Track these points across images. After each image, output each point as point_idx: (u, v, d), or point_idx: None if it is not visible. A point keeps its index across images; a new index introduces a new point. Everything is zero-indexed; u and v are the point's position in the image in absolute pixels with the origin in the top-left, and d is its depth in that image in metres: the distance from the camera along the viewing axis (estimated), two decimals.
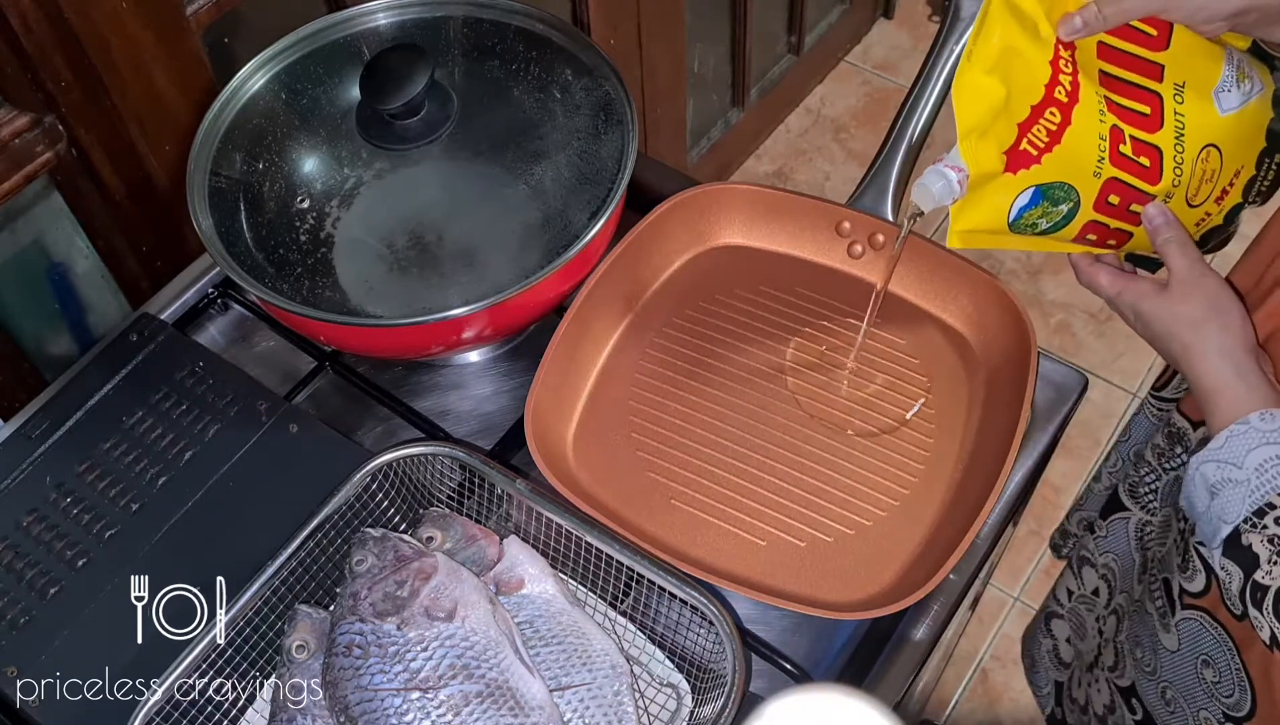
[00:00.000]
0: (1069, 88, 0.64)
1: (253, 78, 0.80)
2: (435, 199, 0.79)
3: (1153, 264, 0.73)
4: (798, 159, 2.05)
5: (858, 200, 0.83)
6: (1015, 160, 0.64)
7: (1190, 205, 0.69)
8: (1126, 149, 0.66)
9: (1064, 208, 0.66)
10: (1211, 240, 0.75)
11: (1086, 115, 0.65)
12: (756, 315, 0.82)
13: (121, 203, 0.91)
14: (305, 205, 0.78)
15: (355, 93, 0.78)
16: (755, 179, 2.01)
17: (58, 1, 0.77)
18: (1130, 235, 0.69)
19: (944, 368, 0.79)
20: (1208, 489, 0.63)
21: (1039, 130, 0.64)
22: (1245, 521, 0.61)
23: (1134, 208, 0.67)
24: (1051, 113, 0.64)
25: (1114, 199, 0.67)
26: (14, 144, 0.83)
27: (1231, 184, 0.71)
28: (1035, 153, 0.64)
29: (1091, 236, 0.69)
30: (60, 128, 0.85)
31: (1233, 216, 0.73)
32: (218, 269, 0.85)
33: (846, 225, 0.83)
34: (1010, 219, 0.65)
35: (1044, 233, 0.67)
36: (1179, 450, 0.82)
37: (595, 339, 0.80)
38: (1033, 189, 0.64)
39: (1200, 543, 0.72)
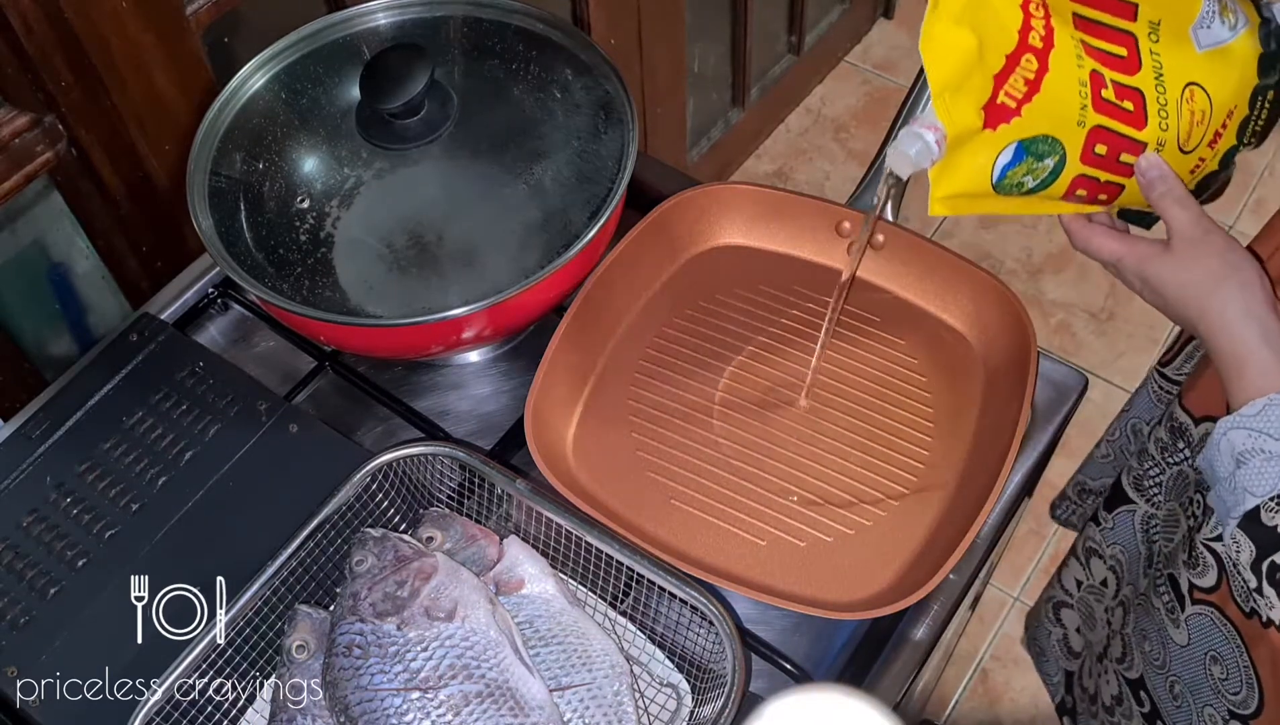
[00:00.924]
0: (1043, 32, 0.61)
1: (253, 78, 0.80)
2: (435, 199, 0.79)
3: (1148, 219, 0.70)
4: (798, 159, 2.05)
5: (858, 200, 0.83)
6: (994, 115, 0.60)
7: (1183, 151, 0.66)
8: (1109, 94, 0.63)
9: (1049, 162, 0.63)
10: (1208, 188, 0.72)
11: (1064, 60, 0.61)
12: (756, 315, 0.82)
13: (121, 203, 0.91)
14: (305, 205, 0.78)
15: (355, 93, 0.78)
16: (755, 179, 2.01)
17: (58, 2, 0.77)
18: (1122, 188, 0.67)
19: (944, 368, 0.79)
20: (1234, 456, 0.60)
21: (1016, 80, 0.60)
22: (1273, 498, 0.59)
23: (1124, 158, 0.65)
24: (1028, 60, 0.60)
25: (1101, 149, 0.64)
26: (14, 144, 0.83)
27: (1225, 125, 0.68)
28: (1014, 105, 0.60)
29: (1081, 192, 0.66)
30: (60, 128, 0.85)
31: (1228, 160, 0.70)
32: (218, 269, 0.85)
33: (846, 225, 0.83)
34: (994, 179, 0.62)
35: (1031, 192, 0.64)
36: (1181, 445, 0.82)
37: (595, 339, 0.80)
38: (1015, 145, 0.61)
39: (1209, 539, 0.72)
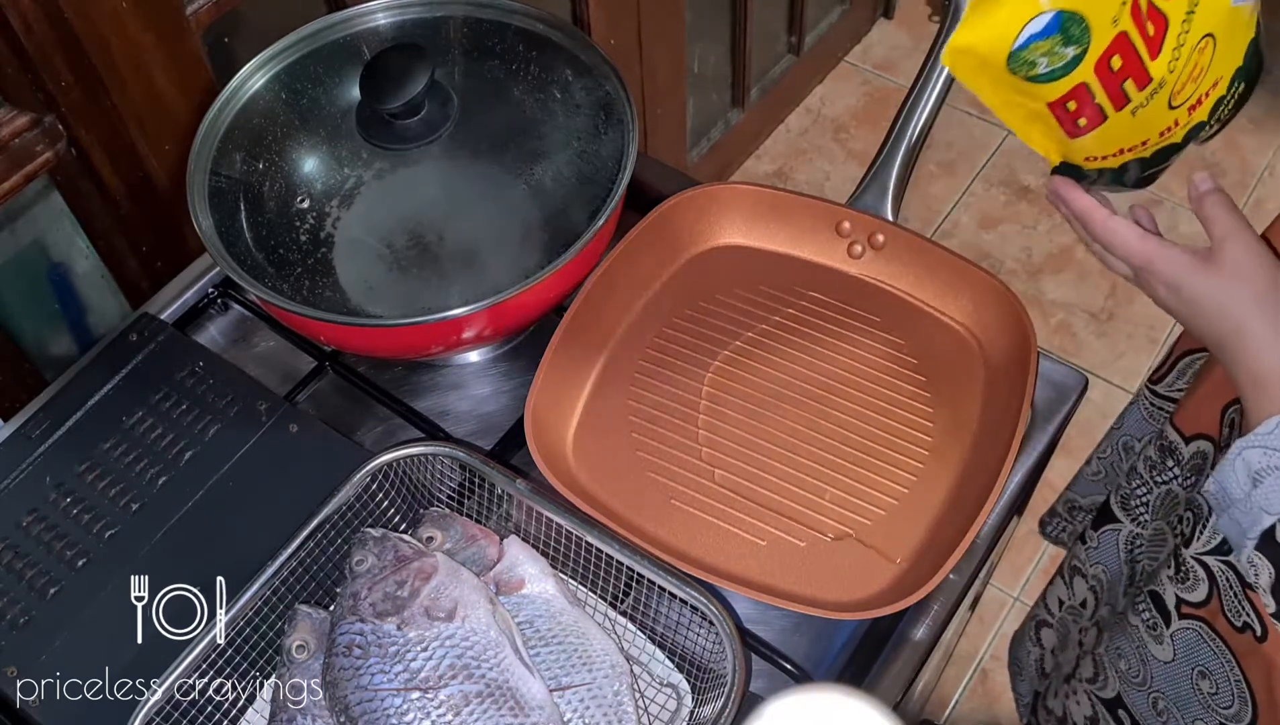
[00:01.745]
0: None
1: (253, 78, 0.80)
2: (435, 199, 0.79)
3: (1084, 177, 0.68)
4: (798, 159, 2.05)
5: (858, 200, 0.83)
6: None
7: (1171, 105, 0.63)
8: (1143, 4, 0.59)
9: (1070, 52, 0.60)
10: (1157, 165, 0.68)
11: None
12: (756, 315, 0.82)
13: (121, 203, 0.91)
14: (305, 205, 0.78)
15: (355, 93, 0.78)
16: (755, 179, 2.01)
17: (58, 2, 0.77)
18: (1102, 120, 0.63)
19: (944, 368, 0.79)
20: (1250, 476, 0.59)
21: None
22: None
23: (1126, 85, 0.61)
24: None
25: (1116, 62, 0.60)
26: (14, 144, 0.83)
27: (1207, 94, 0.65)
28: None
29: (1072, 105, 0.62)
30: (60, 128, 0.85)
31: (1190, 138, 0.67)
32: (218, 269, 0.85)
33: (846, 225, 0.83)
34: (1015, 44, 0.59)
35: (1036, 79, 0.61)
36: (1170, 463, 0.82)
37: (595, 339, 0.80)
38: (1055, 14, 0.58)
39: (1201, 553, 0.72)
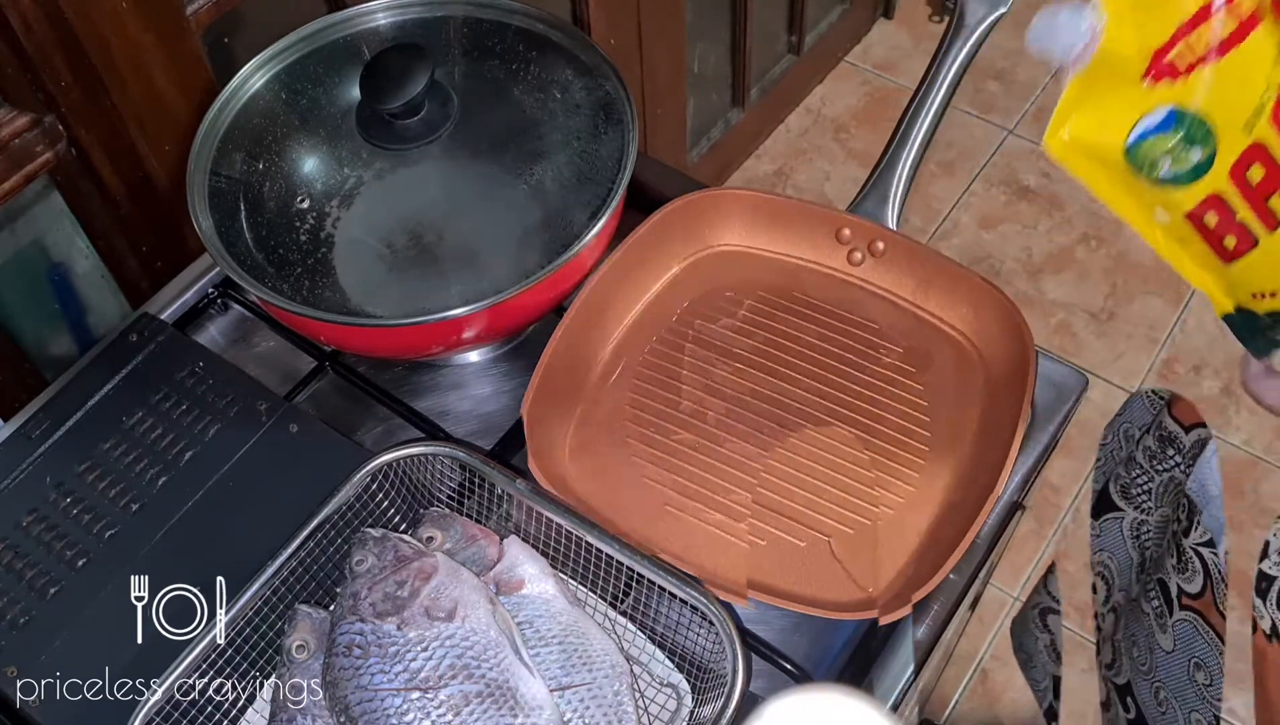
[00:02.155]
0: (1253, 5, 0.51)
1: (253, 78, 0.80)
2: (435, 199, 0.79)
3: (1258, 326, 0.58)
4: (798, 159, 2.05)
5: (858, 206, 0.83)
6: (1158, 68, 0.52)
7: None
8: None
9: (1195, 155, 0.54)
10: None
11: (1260, 48, 0.51)
12: (755, 320, 0.82)
13: (121, 203, 0.91)
14: (305, 205, 0.78)
15: (355, 93, 0.78)
16: (755, 179, 2.01)
17: (58, 2, 0.77)
18: (1254, 243, 0.55)
19: (944, 374, 0.79)
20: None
21: (1198, 36, 0.51)
22: None
23: (1273, 202, 0.54)
24: (1223, 20, 0.51)
25: (1256, 173, 0.53)
26: (14, 144, 0.83)
27: None
28: (1184, 66, 0.51)
29: (1211, 217, 0.55)
30: (60, 128, 0.85)
31: None
32: (218, 269, 0.85)
33: (847, 232, 0.83)
34: (1130, 138, 0.53)
35: (1161, 182, 0.55)
36: (1170, 452, 0.82)
37: (594, 341, 0.80)
38: (1169, 109, 0.53)
39: (1198, 543, 0.72)
